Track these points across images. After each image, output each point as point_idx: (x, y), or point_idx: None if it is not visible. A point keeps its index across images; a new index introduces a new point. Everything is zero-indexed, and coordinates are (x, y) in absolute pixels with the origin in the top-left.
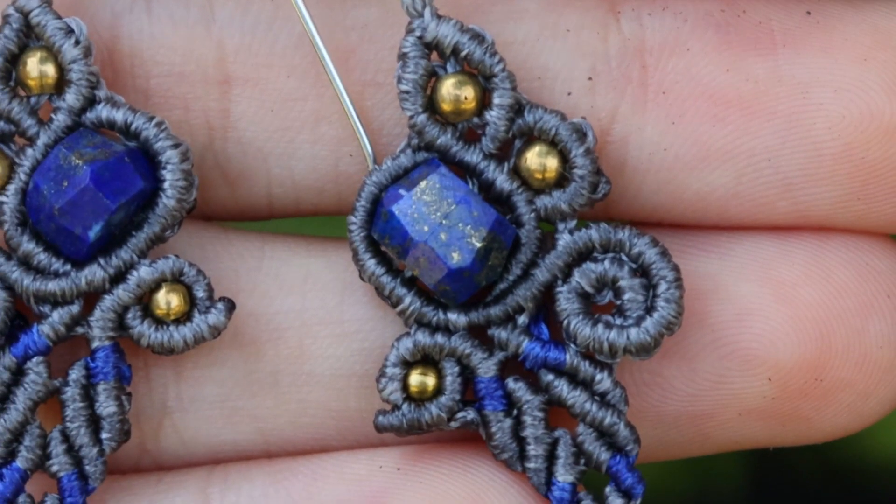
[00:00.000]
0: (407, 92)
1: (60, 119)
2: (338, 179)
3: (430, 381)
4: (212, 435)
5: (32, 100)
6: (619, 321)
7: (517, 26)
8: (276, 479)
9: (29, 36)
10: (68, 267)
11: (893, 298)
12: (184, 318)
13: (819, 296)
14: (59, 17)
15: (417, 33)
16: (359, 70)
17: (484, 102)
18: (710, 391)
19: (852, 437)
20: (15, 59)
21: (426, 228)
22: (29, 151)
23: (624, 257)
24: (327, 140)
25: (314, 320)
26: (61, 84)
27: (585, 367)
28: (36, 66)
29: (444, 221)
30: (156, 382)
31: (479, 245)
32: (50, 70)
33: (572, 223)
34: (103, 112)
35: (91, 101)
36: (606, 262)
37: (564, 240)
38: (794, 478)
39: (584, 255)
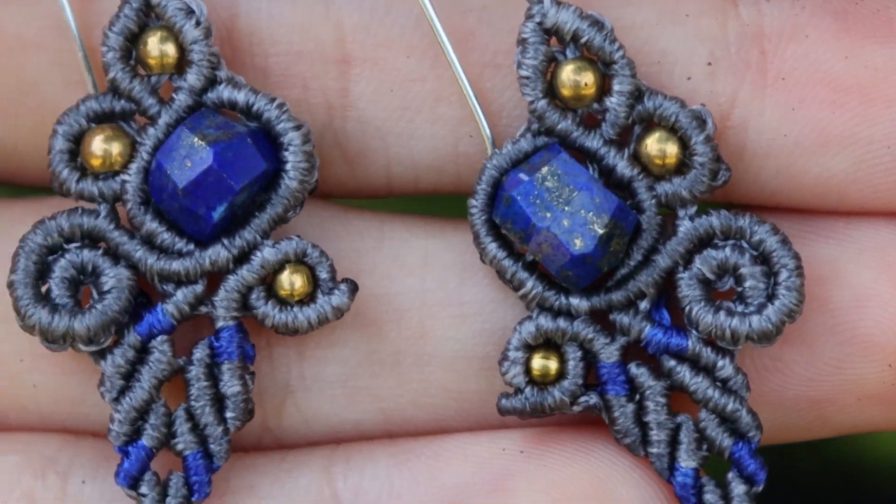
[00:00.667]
0: (527, 77)
1: (182, 99)
2: (457, 160)
3: (553, 364)
4: (334, 414)
5: (153, 79)
6: (740, 308)
7: (636, 11)
8: (398, 459)
9: (149, 15)
10: (192, 247)
11: None
12: (307, 298)
13: None
14: None
15: (537, 19)
16: (477, 52)
17: (604, 88)
18: (830, 376)
19: (852, 436)
20: (135, 39)
21: (549, 214)
22: (150, 131)
23: (745, 244)
24: (446, 120)
25: (435, 301)
26: (182, 64)
27: (707, 354)
28: (157, 46)
29: (566, 208)
30: (279, 362)
31: (601, 231)
32: (170, 50)
33: (693, 209)
34: (224, 93)
35: (212, 82)
36: (728, 249)
37: (685, 226)
38: (793, 476)
39: (704, 241)
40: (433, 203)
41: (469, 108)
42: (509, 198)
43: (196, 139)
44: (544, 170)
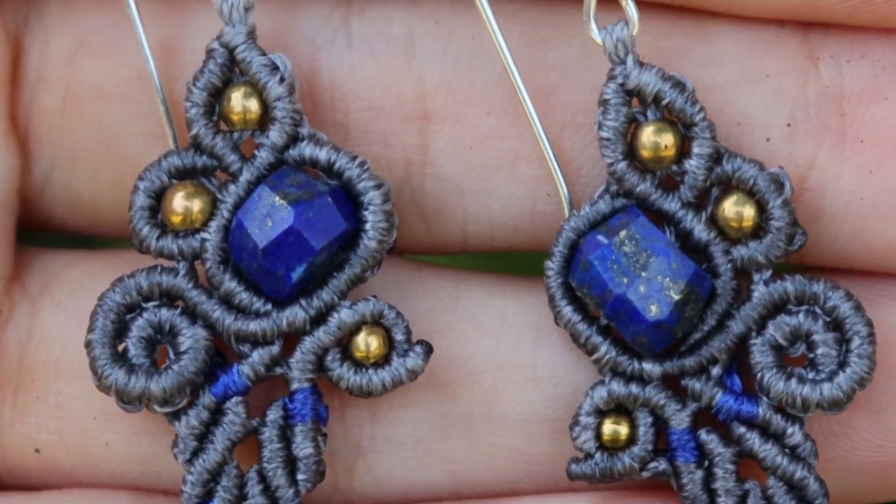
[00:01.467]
0: (608, 139)
1: (263, 156)
2: (533, 218)
3: (623, 430)
4: (404, 476)
5: (235, 135)
6: (811, 375)
7: (717, 71)
8: None
9: (233, 71)
10: (269, 307)
11: None
12: (382, 360)
13: None
14: (264, 54)
15: (619, 80)
16: (558, 110)
17: (683, 150)
18: None
19: None
20: (218, 94)
21: (625, 280)
22: (231, 188)
23: (818, 310)
24: (525, 179)
25: (509, 364)
26: (265, 120)
27: (777, 421)
28: (240, 102)
29: (643, 274)
30: (351, 423)
31: (677, 298)
32: (253, 106)
33: (767, 273)
34: (306, 150)
35: (294, 139)
36: (801, 315)
37: (759, 291)
38: None
39: (778, 307)
40: (507, 259)
41: (548, 166)
42: (587, 262)
43: (277, 198)
44: (622, 234)
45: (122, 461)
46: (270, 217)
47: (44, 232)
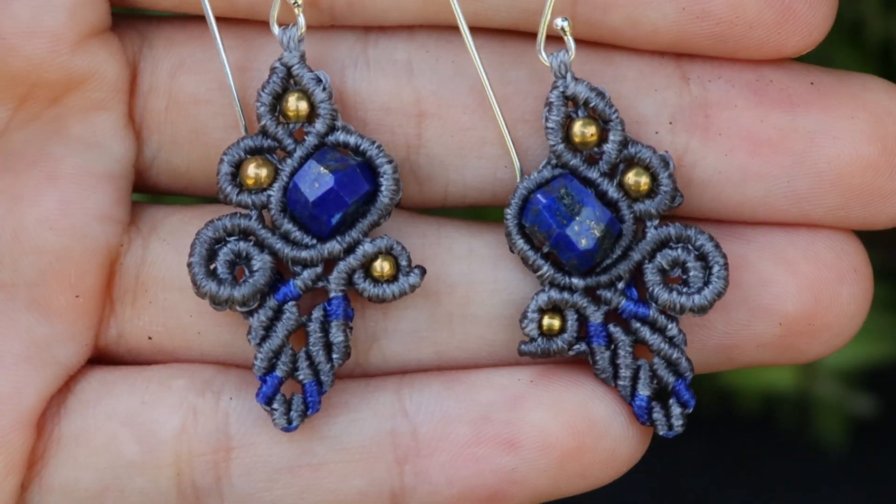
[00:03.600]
0: (552, 128)
1: (311, 140)
2: (494, 184)
3: (557, 323)
4: (404, 354)
5: (291, 126)
6: (685, 290)
7: (621, 85)
8: (446, 385)
9: (289, 82)
10: (314, 241)
11: (857, 272)
12: (392, 278)
13: (812, 270)
14: (311, 70)
15: (560, 89)
16: (513, 111)
17: (602, 138)
18: (740, 331)
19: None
20: (279, 97)
21: (564, 222)
22: (288, 161)
23: (690, 247)
24: (489, 157)
25: (476, 280)
26: (312, 116)
27: (661, 320)
28: (294, 103)
29: (576, 218)
30: (369, 320)
31: (598, 235)
32: (303, 106)
33: (657, 221)
34: (340, 136)
35: (332, 129)
36: (679, 250)
37: (651, 233)
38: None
39: (664, 243)
40: (475, 212)
41: (506, 148)
42: (537, 209)
43: (322, 168)
44: (562, 191)
45: (210, 345)
46: (317, 181)
47: (150, 193)
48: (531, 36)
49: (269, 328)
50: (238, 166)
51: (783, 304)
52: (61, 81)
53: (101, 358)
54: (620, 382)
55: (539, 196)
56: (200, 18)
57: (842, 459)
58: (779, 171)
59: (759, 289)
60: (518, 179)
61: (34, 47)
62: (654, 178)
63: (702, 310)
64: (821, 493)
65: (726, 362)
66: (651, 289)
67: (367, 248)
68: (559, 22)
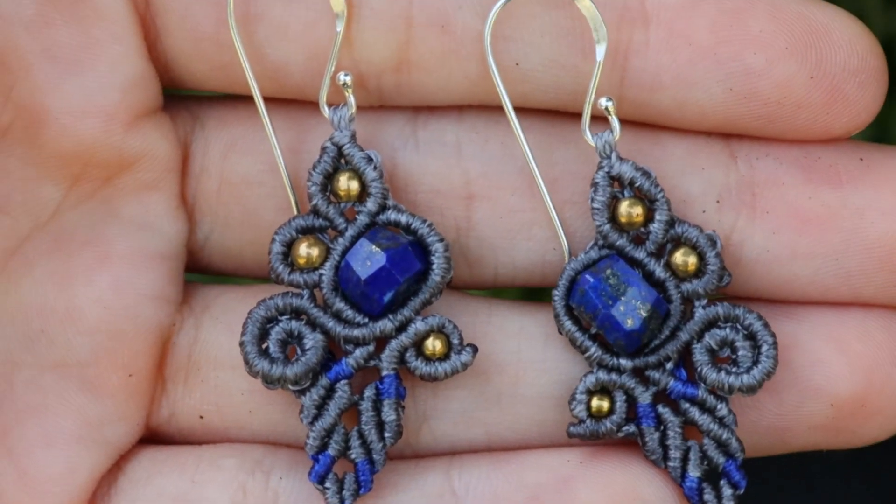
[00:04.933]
0: (597, 209)
1: (362, 219)
2: (543, 265)
3: (605, 404)
4: (454, 434)
5: (342, 205)
6: (734, 370)
7: (669, 165)
8: (496, 465)
9: (340, 161)
10: (366, 320)
11: None
12: (444, 357)
13: (864, 350)
14: (362, 149)
15: (606, 169)
16: (561, 192)
17: (648, 217)
18: (791, 412)
19: None
20: (330, 177)
21: (610, 302)
22: (340, 240)
23: (739, 326)
24: (538, 239)
25: (526, 359)
26: (363, 195)
27: (710, 400)
28: (346, 182)
29: (622, 298)
30: (419, 399)
31: (644, 315)
32: (354, 185)
33: (705, 301)
34: (391, 215)
35: (383, 207)
36: (727, 329)
37: (700, 313)
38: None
39: (712, 323)
40: (524, 293)
41: (554, 230)
42: (584, 290)
43: (374, 247)
44: (608, 272)
45: (261, 424)
46: (369, 259)
47: (202, 273)
48: (578, 116)
49: (321, 407)
50: (290, 246)
51: (835, 386)
52: (114, 161)
53: (153, 437)
54: (670, 464)
55: (586, 277)
56: (251, 99)
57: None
58: (827, 249)
59: (811, 369)
60: (566, 261)
61: (87, 127)
62: (701, 258)
63: (751, 389)
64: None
65: (779, 445)
66: (700, 369)
67: (419, 326)
68: (603, 102)
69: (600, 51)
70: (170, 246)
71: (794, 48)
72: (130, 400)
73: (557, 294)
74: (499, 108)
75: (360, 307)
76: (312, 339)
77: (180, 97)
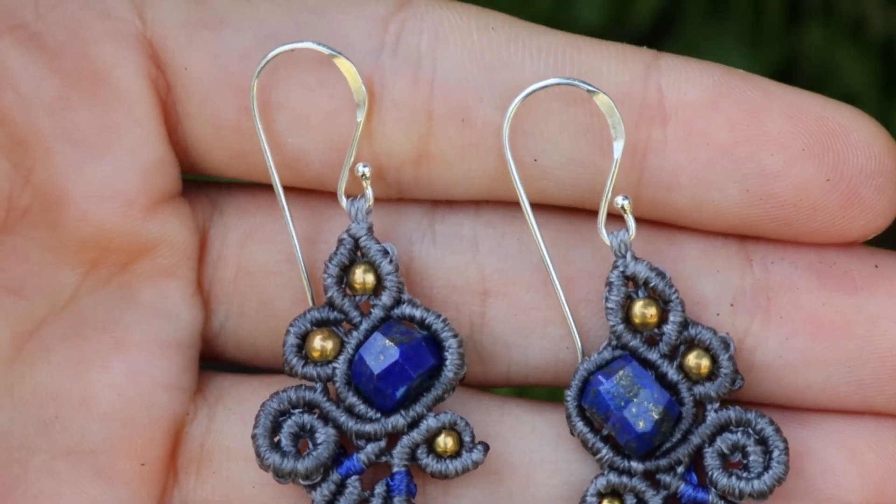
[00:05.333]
0: (611, 309)
1: (377, 313)
2: (557, 364)
3: None
4: None
5: (357, 298)
6: (745, 475)
7: (684, 266)
8: None
9: (356, 254)
10: (378, 415)
11: None
12: (455, 454)
13: (877, 460)
14: (379, 242)
15: (621, 269)
16: (576, 290)
17: (662, 318)
18: None
19: None
20: (346, 269)
21: (622, 404)
22: (354, 334)
23: (751, 431)
24: (553, 338)
25: (538, 460)
26: (378, 288)
27: None
28: (361, 275)
29: (634, 400)
30: (430, 496)
31: (656, 417)
32: (370, 278)
33: (717, 405)
34: (406, 310)
35: (398, 302)
36: (739, 434)
37: (711, 417)
38: None
39: (724, 427)
40: (536, 391)
41: (567, 328)
42: (596, 391)
43: (388, 341)
44: (620, 373)
45: None
46: (382, 353)
47: (217, 362)
48: (596, 214)
49: (331, 502)
50: (304, 338)
51: (846, 495)
52: (132, 247)
53: None
54: None
55: (599, 378)
56: (269, 187)
57: None
58: (841, 357)
59: (822, 477)
60: (579, 361)
61: (106, 212)
62: (714, 361)
63: (761, 495)
64: None
65: None
66: (711, 473)
67: (431, 422)
68: (619, 200)
69: (618, 148)
70: (186, 334)
71: (812, 150)
72: (143, 489)
73: (570, 394)
74: (516, 204)
75: (372, 402)
76: (324, 434)
77: (199, 183)
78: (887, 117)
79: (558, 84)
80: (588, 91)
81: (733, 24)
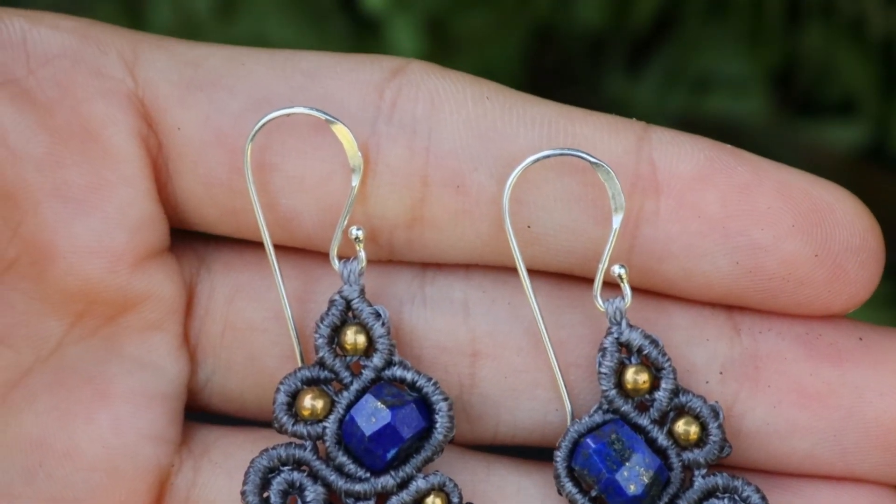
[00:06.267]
0: (604, 374)
1: (367, 374)
2: (545, 426)
3: None
4: None
5: (348, 358)
6: None
7: (674, 334)
8: None
9: (348, 315)
10: (368, 475)
11: None
12: None
13: None
14: (371, 305)
15: (615, 335)
16: (566, 354)
17: (654, 385)
18: None
19: None
20: (337, 330)
21: (614, 467)
22: (345, 394)
23: (737, 497)
24: (541, 400)
25: None
26: (369, 349)
27: None
28: (353, 337)
29: (626, 463)
30: None
31: (647, 481)
32: (361, 340)
33: (704, 470)
34: (397, 372)
35: (389, 363)
36: (725, 500)
37: (699, 482)
38: None
39: (711, 493)
40: (522, 450)
41: (557, 391)
42: (587, 453)
43: (379, 403)
44: (613, 436)
45: None
46: (374, 416)
47: (202, 413)
48: (587, 281)
49: None
50: (294, 396)
51: None
52: (118, 301)
53: None
54: None
55: (589, 440)
56: (258, 244)
57: None
58: (826, 425)
59: None
60: (569, 423)
61: (93, 267)
62: (703, 428)
63: None
64: None
65: None
66: None
67: (420, 483)
68: (616, 269)
69: (617, 220)
70: (171, 386)
71: (800, 226)
72: None
73: (560, 455)
74: (506, 269)
75: (362, 462)
76: (314, 492)
77: (187, 236)
78: (887, 117)
79: (562, 155)
80: (592, 163)
81: (733, 24)
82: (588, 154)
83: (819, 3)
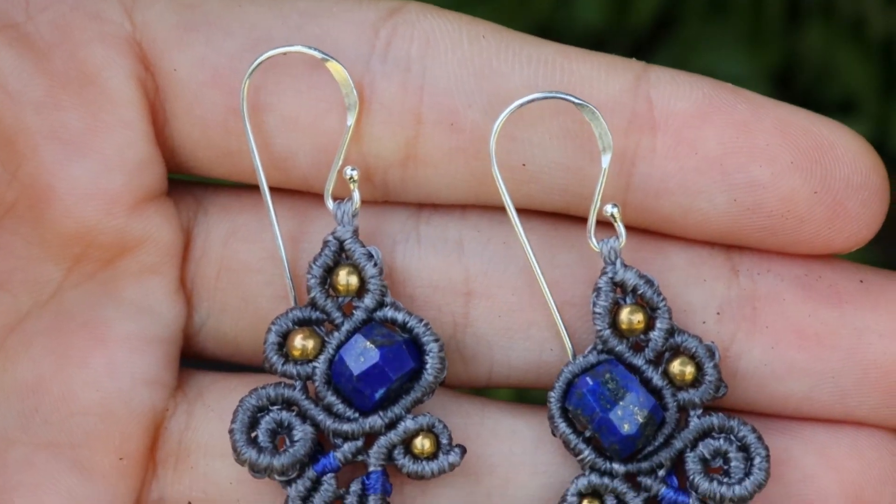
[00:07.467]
0: (599, 314)
1: (359, 315)
2: (539, 366)
3: None
4: None
5: (340, 299)
6: (726, 480)
7: (671, 274)
8: None
9: (341, 255)
10: (357, 415)
11: None
12: (432, 456)
13: (855, 468)
14: (363, 245)
15: (609, 275)
16: (561, 294)
17: (649, 325)
18: None
19: None
20: (330, 270)
21: (608, 406)
22: (335, 334)
23: (733, 437)
24: (536, 339)
25: (517, 461)
26: (361, 290)
27: None
28: (345, 278)
29: (620, 402)
30: (407, 496)
31: (641, 421)
32: (354, 281)
33: (700, 411)
34: (388, 312)
35: (381, 304)
36: (721, 440)
37: (694, 422)
38: None
39: (706, 433)
40: (517, 392)
41: (551, 331)
42: (582, 393)
43: (368, 343)
44: (607, 376)
45: None
46: (363, 355)
47: (197, 359)
48: (582, 220)
49: (306, 499)
50: (285, 336)
51: (826, 501)
52: (115, 244)
53: None
54: None
55: (585, 379)
56: (255, 188)
57: None
58: (824, 367)
59: (802, 484)
60: (570, 360)
61: (90, 209)
62: (699, 368)
63: (742, 501)
64: None
65: None
66: (692, 477)
67: (408, 424)
68: (609, 208)
69: (605, 159)
70: (167, 330)
71: (800, 163)
72: (121, 482)
73: (554, 395)
74: (503, 209)
75: (351, 402)
76: (302, 431)
77: (185, 183)
78: (887, 117)
79: (545, 98)
80: (576, 104)
81: (733, 24)
82: (572, 96)
83: (819, 3)
